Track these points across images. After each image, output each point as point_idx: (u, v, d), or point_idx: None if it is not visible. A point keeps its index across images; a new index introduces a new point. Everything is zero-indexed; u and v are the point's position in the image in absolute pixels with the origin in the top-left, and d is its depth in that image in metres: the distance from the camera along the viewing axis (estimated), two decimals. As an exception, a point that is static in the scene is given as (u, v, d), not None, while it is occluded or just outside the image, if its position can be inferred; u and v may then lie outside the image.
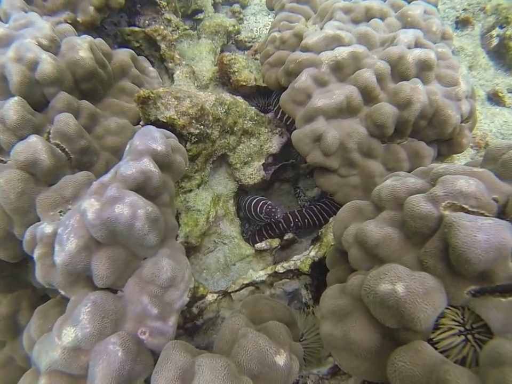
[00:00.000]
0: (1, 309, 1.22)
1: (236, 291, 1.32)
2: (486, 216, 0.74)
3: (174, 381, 0.77)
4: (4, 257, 1.09)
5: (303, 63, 1.34)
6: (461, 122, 1.32)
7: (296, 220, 1.60)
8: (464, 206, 0.75)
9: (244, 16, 2.36)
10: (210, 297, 1.32)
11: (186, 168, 1.04)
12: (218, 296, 1.33)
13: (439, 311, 0.71)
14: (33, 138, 1.05)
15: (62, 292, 0.91)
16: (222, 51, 2.03)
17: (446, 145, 1.36)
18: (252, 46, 2.24)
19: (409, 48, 1.29)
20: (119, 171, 0.90)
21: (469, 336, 0.72)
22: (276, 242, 1.52)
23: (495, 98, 2.33)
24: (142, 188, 0.90)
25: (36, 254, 0.93)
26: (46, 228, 0.94)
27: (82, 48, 1.18)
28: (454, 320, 0.74)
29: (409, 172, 1.06)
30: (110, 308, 0.86)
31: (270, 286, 1.38)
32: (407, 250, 0.83)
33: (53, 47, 1.18)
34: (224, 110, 1.38)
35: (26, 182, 1.02)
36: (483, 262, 0.67)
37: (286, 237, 1.60)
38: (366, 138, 1.28)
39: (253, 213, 1.48)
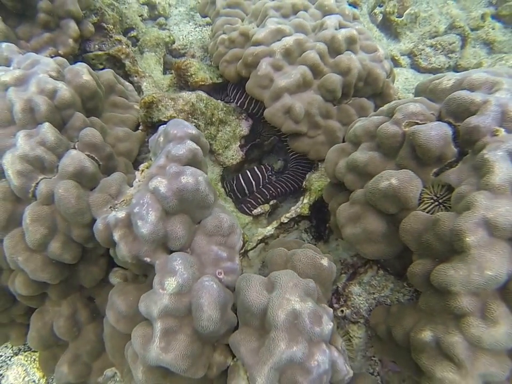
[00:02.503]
0: (63, 310, 1.44)
1: (253, 248, 1.73)
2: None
3: (261, 291, 1.04)
4: (68, 259, 1.32)
5: (259, 54, 1.79)
6: (386, 77, 1.92)
7: (278, 187, 2.09)
8: (416, 121, 1.19)
9: (168, 27, 2.77)
10: (234, 258, 1.70)
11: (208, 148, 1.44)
12: (239, 256, 1.72)
13: (420, 190, 1.12)
14: (74, 152, 1.33)
15: (147, 259, 1.21)
16: (164, 61, 2.42)
17: (379, 97, 1.90)
18: (185, 52, 2.66)
19: (336, 29, 1.83)
20: (171, 153, 1.24)
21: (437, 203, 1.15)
22: (267, 206, 1.96)
23: (393, 62, 3.03)
24: (191, 163, 1.25)
25: (117, 235, 1.21)
26: (118, 214, 1.23)
27: (84, 73, 1.47)
28: (427, 196, 1.17)
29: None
30: (192, 260, 1.15)
31: (276, 238, 1.81)
32: (387, 162, 1.25)
33: (59, 77, 1.46)
34: (203, 104, 1.78)
35: (79, 188, 1.30)
36: (438, 147, 1.09)
37: (271, 203, 2.04)
38: (323, 103, 1.78)
39: (252, 183, 1.93)
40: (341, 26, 1.85)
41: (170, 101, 1.56)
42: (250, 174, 2.10)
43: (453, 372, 0.95)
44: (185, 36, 2.75)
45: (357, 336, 1.42)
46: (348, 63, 1.72)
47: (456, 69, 3.00)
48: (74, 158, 1.30)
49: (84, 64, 1.51)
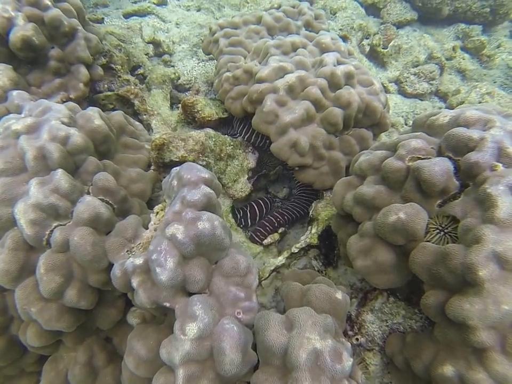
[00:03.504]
0: (79, 356, 1.35)
1: (266, 278, 1.65)
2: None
3: (281, 330, 1.02)
4: (85, 305, 1.25)
5: (263, 91, 1.76)
6: (383, 109, 1.87)
7: (285, 214, 2.01)
8: (419, 156, 1.20)
9: (173, 63, 2.72)
10: (248, 290, 1.63)
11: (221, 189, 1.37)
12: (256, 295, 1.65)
13: (426, 222, 1.12)
14: (89, 198, 1.27)
15: (167, 304, 1.14)
16: (170, 96, 2.37)
17: (377, 127, 1.89)
18: (190, 86, 2.61)
19: (334, 65, 1.80)
20: (186, 199, 1.19)
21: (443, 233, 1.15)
22: (277, 235, 1.91)
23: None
24: (206, 207, 1.20)
25: (136, 282, 1.15)
26: (136, 260, 1.17)
27: (96, 117, 1.43)
28: (433, 226, 1.18)
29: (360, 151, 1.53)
30: (211, 302, 1.12)
31: (288, 267, 1.75)
32: (393, 195, 1.24)
33: (71, 122, 1.40)
34: (212, 142, 1.72)
35: (94, 234, 1.24)
36: (442, 181, 1.10)
37: (279, 231, 1.99)
38: (326, 135, 1.75)
39: (257, 213, 1.88)
40: (339, 63, 1.83)
41: (180, 141, 1.51)
42: (256, 205, 2.04)
43: None
44: (189, 71, 2.72)
45: (373, 364, 1.38)
46: (348, 97, 1.68)
47: (437, 94, 3.19)
48: (89, 204, 1.25)
49: (95, 108, 1.46)
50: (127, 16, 2.95)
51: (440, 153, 1.22)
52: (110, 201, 1.38)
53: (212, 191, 1.23)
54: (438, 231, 1.16)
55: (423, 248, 1.10)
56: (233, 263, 1.20)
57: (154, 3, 3.16)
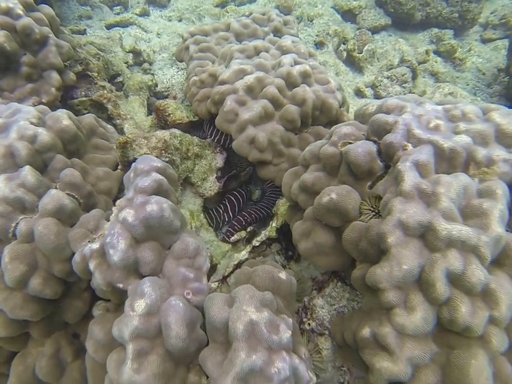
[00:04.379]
0: (46, 349, 1.40)
1: (230, 273, 1.75)
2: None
3: (223, 306, 1.08)
4: (49, 294, 1.33)
5: (224, 92, 1.89)
6: (340, 107, 1.99)
7: (253, 213, 2.13)
8: (349, 141, 1.31)
9: (153, 71, 2.88)
10: (213, 285, 1.73)
11: (177, 178, 1.49)
12: (219, 283, 1.75)
13: (358, 202, 1.22)
14: (54, 191, 1.39)
15: (120, 285, 1.24)
16: (148, 103, 2.51)
17: (334, 125, 2.00)
18: (168, 93, 2.76)
19: (291, 66, 1.93)
20: (138, 186, 1.30)
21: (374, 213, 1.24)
22: (244, 233, 2.02)
23: (359, 93, 3.20)
24: (157, 192, 1.30)
25: (93, 265, 1.25)
26: (93, 245, 1.28)
27: (64, 118, 1.57)
28: (366, 207, 1.26)
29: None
30: (161, 282, 1.19)
31: (249, 261, 1.83)
32: (331, 180, 1.35)
33: (40, 123, 1.53)
34: (178, 141, 1.85)
35: (58, 225, 1.35)
36: (366, 162, 1.21)
37: (248, 230, 2.10)
38: (285, 132, 1.86)
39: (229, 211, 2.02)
40: (296, 63, 1.96)
41: (144, 140, 1.63)
42: (228, 202, 2.15)
43: (387, 360, 0.99)
44: (168, 79, 2.87)
45: (325, 348, 1.43)
46: (303, 95, 1.81)
47: None
48: (54, 196, 1.35)
49: (64, 110, 1.60)
50: (109, 27, 3.12)
51: (368, 139, 1.32)
52: (76, 196, 1.49)
53: (162, 178, 1.34)
54: (370, 211, 1.24)
55: (353, 226, 1.19)
56: (183, 245, 1.29)
57: (136, 14, 3.34)
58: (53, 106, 1.78)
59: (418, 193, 1.06)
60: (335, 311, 1.43)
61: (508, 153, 1.14)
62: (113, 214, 1.47)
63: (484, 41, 3.81)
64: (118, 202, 1.50)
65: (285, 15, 2.62)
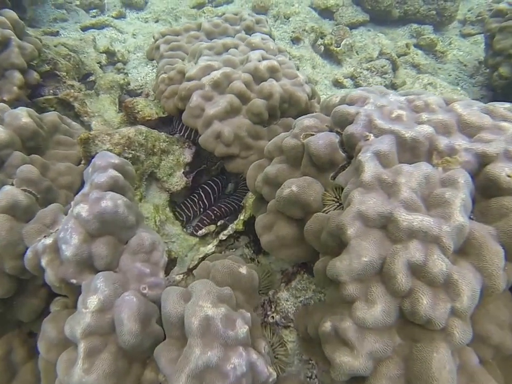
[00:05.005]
0: None
1: (195, 266, 1.71)
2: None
3: (179, 301, 1.05)
4: (1, 293, 1.28)
5: (191, 88, 1.86)
6: (310, 99, 1.97)
7: (222, 207, 2.10)
8: (312, 133, 1.28)
9: (127, 71, 2.84)
10: (177, 278, 1.69)
11: (135, 175, 1.45)
12: (184, 275, 1.71)
13: (320, 194, 1.19)
14: (8, 187, 1.34)
15: (74, 281, 1.20)
16: (119, 101, 2.47)
17: None
18: (141, 91, 2.72)
19: (259, 61, 1.91)
20: (94, 181, 1.27)
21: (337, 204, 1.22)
22: (213, 227, 1.98)
23: (338, 84, 3.22)
24: (112, 188, 1.27)
25: (45, 261, 1.21)
26: (46, 240, 1.24)
27: (23, 116, 1.52)
28: (329, 199, 1.25)
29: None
30: (115, 277, 1.15)
31: (215, 255, 1.80)
32: (294, 172, 1.30)
33: (-1, 121, 1.50)
34: (143, 137, 1.81)
35: (11, 221, 1.30)
36: (327, 154, 1.18)
37: (219, 223, 2.05)
38: (252, 126, 1.84)
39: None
40: (264, 58, 1.92)
41: (106, 136, 1.60)
42: (202, 191, 2.16)
43: (347, 355, 0.95)
44: (143, 77, 2.84)
45: (291, 341, 1.39)
46: (270, 89, 1.78)
47: (392, 86, 3.32)
48: (7, 193, 1.31)
49: (24, 108, 1.56)
50: (84, 29, 3.09)
51: (331, 130, 1.29)
52: (33, 191, 1.45)
53: (118, 174, 1.30)
54: (333, 202, 1.21)
55: (315, 217, 1.16)
56: (139, 239, 1.26)
57: (112, 16, 3.31)
58: (14, 104, 1.74)
59: (379, 184, 1.03)
60: (300, 303, 1.39)
61: (470, 143, 1.11)
62: (71, 209, 1.43)
63: (464, 36, 3.90)
64: (76, 196, 1.46)
65: (260, 15, 2.61)
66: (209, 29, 2.30)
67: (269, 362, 1.11)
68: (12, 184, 1.44)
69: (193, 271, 1.73)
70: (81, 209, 1.21)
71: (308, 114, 1.42)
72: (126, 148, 1.66)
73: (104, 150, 1.63)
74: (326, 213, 1.18)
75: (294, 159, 1.32)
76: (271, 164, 1.43)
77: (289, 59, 2.13)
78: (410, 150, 1.11)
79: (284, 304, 1.42)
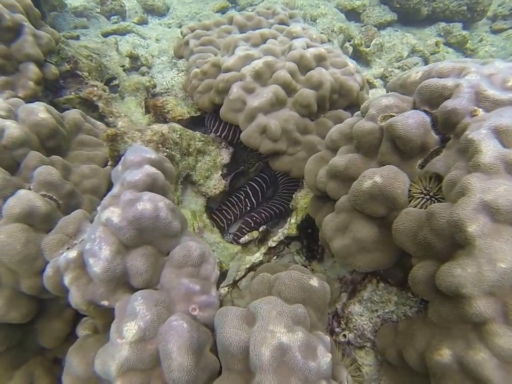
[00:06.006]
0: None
1: (242, 277, 1.42)
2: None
3: (241, 325, 0.82)
4: (16, 318, 1.03)
5: (230, 80, 1.60)
6: (360, 89, 1.69)
7: (262, 212, 1.81)
8: (391, 114, 1.02)
9: (152, 75, 2.62)
10: (223, 291, 1.41)
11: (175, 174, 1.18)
12: (229, 288, 1.42)
13: (407, 185, 0.94)
14: (23, 191, 1.08)
15: (105, 303, 0.93)
16: (146, 105, 2.23)
17: (356, 108, 1.70)
18: (168, 94, 2.48)
19: (304, 49, 1.65)
20: (126, 180, 1.00)
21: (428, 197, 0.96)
22: (256, 233, 1.71)
23: (368, 84, 2.96)
24: (150, 189, 1.01)
25: (68, 280, 0.94)
26: (69, 254, 0.97)
27: (40, 110, 1.28)
28: (416, 191, 0.98)
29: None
30: (158, 297, 0.91)
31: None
32: (368, 162, 1.06)
33: (11, 116, 1.25)
34: (177, 135, 1.55)
35: (27, 232, 1.04)
36: (419, 136, 0.93)
37: (260, 229, 1.78)
38: (300, 119, 1.57)
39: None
40: (308, 47, 1.67)
41: (137, 132, 1.34)
42: (249, 189, 1.95)
43: None
44: (168, 82, 2.59)
45: (366, 364, 1.14)
46: (319, 77, 1.53)
47: None
48: (22, 198, 1.06)
49: (41, 103, 1.32)
50: (106, 35, 2.89)
51: (415, 109, 1.03)
52: (54, 196, 1.19)
53: (157, 171, 1.04)
54: (422, 195, 0.96)
55: (406, 214, 0.90)
56: (185, 251, 0.99)
57: (134, 22, 3.12)
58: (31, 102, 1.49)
59: (505, 167, 0.77)
60: (378, 318, 1.12)
61: None
62: (97, 215, 1.16)
63: (495, 31, 3.63)
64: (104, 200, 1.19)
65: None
66: (241, 22, 2.06)
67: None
68: (29, 189, 1.18)
69: (239, 283, 1.46)
70: (112, 214, 0.95)
71: (382, 94, 1.14)
72: (160, 146, 1.40)
73: (135, 147, 1.37)
74: (415, 207, 0.94)
75: (369, 146, 1.06)
76: (337, 154, 1.17)
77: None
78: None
79: (358, 320, 1.16)
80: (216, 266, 1.03)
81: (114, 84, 2.29)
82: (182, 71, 2.67)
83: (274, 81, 1.58)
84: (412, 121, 0.93)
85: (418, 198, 0.96)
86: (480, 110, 0.90)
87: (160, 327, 0.86)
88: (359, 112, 1.26)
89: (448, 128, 0.94)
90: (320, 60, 1.65)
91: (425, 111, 0.99)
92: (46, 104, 1.34)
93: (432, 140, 0.96)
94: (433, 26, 3.53)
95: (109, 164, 1.41)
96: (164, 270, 0.99)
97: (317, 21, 3.18)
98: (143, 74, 2.55)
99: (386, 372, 1.06)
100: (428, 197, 0.95)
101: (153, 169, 1.04)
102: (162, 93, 2.41)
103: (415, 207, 0.94)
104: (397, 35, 3.38)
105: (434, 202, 0.92)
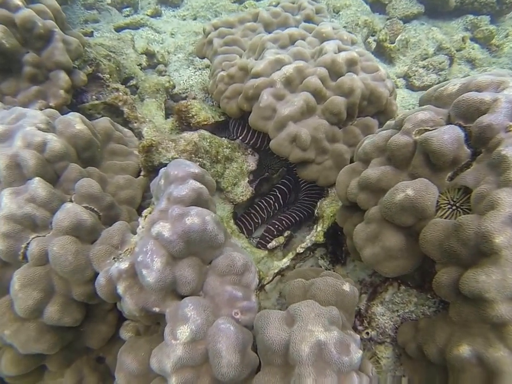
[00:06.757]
0: (67, 381, 1.31)
1: (270, 282, 1.59)
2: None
3: (281, 326, 0.99)
4: (69, 322, 1.22)
5: (260, 86, 1.76)
6: (389, 95, 1.83)
7: (284, 221, 1.99)
8: (426, 128, 1.18)
9: (169, 74, 2.77)
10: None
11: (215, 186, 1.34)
12: (256, 291, 1.59)
13: (436, 197, 1.10)
14: (69, 205, 1.26)
15: (156, 309, 1.11)
16: (165, 107, 2.39)
17: (383, 115, 1.88)
18: (186, 95, 2.64)
19: (335, 53, 1.79)
20: (173, 196, 1.17)
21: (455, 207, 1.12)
22: (282, 238, 1.92)
23: None
24: (196, 203, 1.18)
25: (121, 288, 1.12)
26: (121, 265, 1.14)
27: (77, 122, 1.45)
28: (444, 202, 1.13)
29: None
30: (205, 303, 1.09)
31: (293, 269, 1.69)
32: (400, 174, 1.22)
33: (50, 128, 1.42)
34: (207, 143, 1.71)
35: (76, 243, 1.22)
36: (452, 150, 1.08)
37: (285, 235, 1.98)
38: (329, 127, 1.73)
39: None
40: (340, 50, 1.84)
41: (170, 142, 1.50)
42: (279, 193, 2.15)
43: None
44: (185, 81, 2.77)
45: (385, 357, 1.37)
46: (351, 84, 1.68)
47: None
48: (70, 211, 1.23)
49: (76, 113, 1.48)
50: (118, 29, 3.06)
51: (449, 123, 1.19)
52: (95, 209, 1.37)
53: (202, 186, 1.20)
54: (449, 206, 1.13)
55: (434, 225, 1.08)
56: (229, 260, 1.17)
57: (147, 15, 3.27)
58: (61, 110, 1.66)
59: None
60: (399, 318, 1.34)
61: None
62: (140, 226, 1.34)
63: None
64: (145, 212, 1.36)
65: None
66: (268, 19, 2.20)
67: (377, 385, 1.07)
68: (71, 201, 1.35)
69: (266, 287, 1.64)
70: (163, 228, 1.12)
71: (418, 108, 1.29)
72: (192, 156, 1.57)
73: (168, 158, 1.53)
74: (442, 217, 1.11)
75: (401, 159, 1.22)
76: (370, 166, 1.34)
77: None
78: None
79: (380, 319, 1.36)
80: (256, 275, 1.20)
81: (131, 84, 2.46)
82: (200, 69, 2.84)
83: (304, 88, 1.73)
84: (447, 136, 1.08)
85: (445, 208, 1.12)
86: (516, 126, 1.05)
87: (208, 329, 1.04)
88: (390, 122, 1.41)
89: (481, 143, 1.09)
90: (352, 65, 1.79)
91: (459, 125, 1.14)
92: (80, 114, 1.51)
93: (464, 153, 1.12)
94: (461, 19, 3.67)
95: (142, 174, 1.57)
96: (208, 278, 1.17)
97: (340, 12, 3.32)
98: (160, 73, 2.71)
99: (404, 363, 1.28)
100: (454, 207, 1.11)
101: (198, 184, 1.20)
102: (180, 93, 2.57)
103: (441, 217, 1.10)
104: (423, 29, 3.52)
105: (460, 214, 1.09)
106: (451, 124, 1.17)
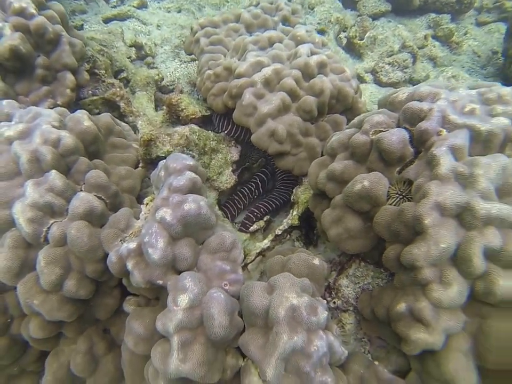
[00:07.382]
0: (80, 346, 1.47)
1: (252, 261, 1.81)
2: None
3: (263, 294, 1.17)
4: (83, 295, 1.38)
5: (243, 86, 1.92)
6: (354, 94, 2.03)
7: (262, 208, 2.20)
8: (381, 129, 1.38)
9: (156, 65, 2.88)
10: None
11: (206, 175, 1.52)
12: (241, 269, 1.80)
13: (387, 188, 1.31)
14: (82, 193, 1.42)
15: (160, 282, 1.29)
16: (155, 98, 2.52)
17: (350, 112, 2.07)
18: (173, 88, 2.77)
19: (308, 56, 1.97)
20: (173, 185, 1.34)
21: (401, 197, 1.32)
22: (262, 222, 2.10)
23: (359, 79, 3.30)
24: (192, 191, 1.35)
25: (131, 264, 1.29)
26: (130, 245, 1.31)
27: (85, 119, 1.59)
28: (393, 192, 1.34)
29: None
30: (200, 276, 1.26)
31: (272, 249, 1.90)
32: (359, 168, 1.42)
33: (61, 126, 1.56)
34: (196, 136, 1.88)
35: (90, 227, 1.38)
36: (399, 149, 1.29)
37: (264, 219, 2.18)
38: (302, 123, 1.92)
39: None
40: (312, 53, 2.00)
41: (166, 137, 1.66)
42: (259, 180, 2.34)
43: (423, 332, 1.12)
44: (172, 73, 2.88)
45: (349, 323, 1.56)
46: (321, 85, 1.85)
47: (410, 81, 3.47)
48: (84, 199, 1.39)
49: (83, 111, 1.61)
50: (107, 21, 3.11)
51: (398, 126, 1.40)
52: (103, 197, 1.52)
53: (196, 176, 1.38)
54: (397, 195, 1.34)
55: (384, 210, 1.29)
56: (219, 239, 1.34)
57: (134, 6, 3.33)
58: (67, 108, 1.79)
59: (455, 176, 1.15)
60: (359, 289, 1.54)
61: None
62: (142, 213, 1.51)
63: (479, 24, 3.99)
64: (146, 200, 1.54)
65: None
66: (249, 21, 2.34)
67: (341, 342, 1.25)
68: (81, 190, 1.51)
69: (248, 265, 1.85)
70: (165, 213, 1.29)
71: (375, 110, 1.50)
72: (185, 149, 1.73)
73: (164, 151, 1.70)
74: (392, 205, 1.31)
75: (361, 155, 1.42)
76: (335, 161, 1.53)
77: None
78: (483, 143, 1.24)
79: (345, 290, 1.57)
80: (242, 251, 1.40)
81: (122, 77, 2.56)
82: (185, 62, 2.95)
83: (281, 88, 1.91)
84: (395, 137, 1.29)
85: (394, 197, 1.34)
86: (444, 130, 1.25)
87: (203, 298, 1.20)
88: (354, 121, 1.61)
89: (421, 143, 1.30)
90: (322, 67, 1.97)
91: (405, 128, 1.35)
92: (86, 112, 1.65)
93: (408, 152, 1.32)
94: (424, 17, 3.87)
95: (140, 165, 1.73)
96: (201, 256, 1.35)
97: (315, 9, 3.45)
98: (148, 65, 2.81)
99: (363, 325, 1.51)
100: (401, 197, 1.33)
101: (193, 175, 1.38)
102: (168, 85, 2.70)
103: (391, 204, 1.32)
104: (390, 26, 3.69)
105: (406, 201, 1.30)
106: (399, 127, 1.37)
